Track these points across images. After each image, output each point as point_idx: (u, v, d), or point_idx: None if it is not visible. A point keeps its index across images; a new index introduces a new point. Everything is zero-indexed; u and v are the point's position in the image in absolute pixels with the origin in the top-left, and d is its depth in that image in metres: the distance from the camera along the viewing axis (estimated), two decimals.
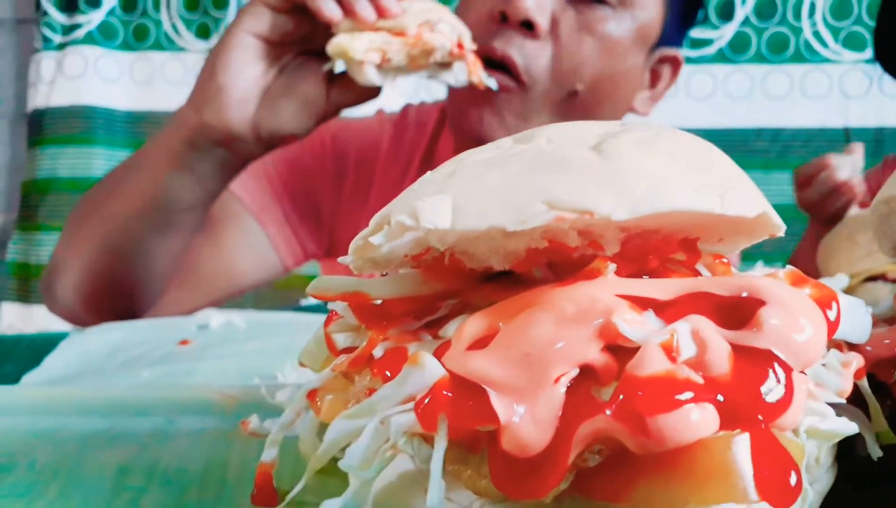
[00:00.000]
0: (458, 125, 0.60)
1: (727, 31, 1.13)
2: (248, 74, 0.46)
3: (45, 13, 1.16)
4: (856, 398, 0.20)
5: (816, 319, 0.18)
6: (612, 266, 0.19)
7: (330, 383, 0.22)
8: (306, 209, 0.66)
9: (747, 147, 1.12)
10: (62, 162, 1.16)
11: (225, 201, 0.56)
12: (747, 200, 0.19)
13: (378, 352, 0.21)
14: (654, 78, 0.64)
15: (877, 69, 0.77)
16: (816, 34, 1.11)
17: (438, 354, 0.19)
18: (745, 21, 1.12)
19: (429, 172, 0.21)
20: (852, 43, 1.11)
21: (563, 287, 0.19)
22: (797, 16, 1.12)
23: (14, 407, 0.31)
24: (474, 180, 0.19)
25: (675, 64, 0.65)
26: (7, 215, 1.25)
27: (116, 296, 0.54)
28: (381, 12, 0.44)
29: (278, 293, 0.81)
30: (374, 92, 0.48)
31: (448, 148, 0.68)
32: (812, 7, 1.11)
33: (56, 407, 0.30)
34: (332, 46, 0.45)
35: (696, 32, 1.13)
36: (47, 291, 0.58)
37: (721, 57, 1.13)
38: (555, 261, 0.20)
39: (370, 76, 0.45)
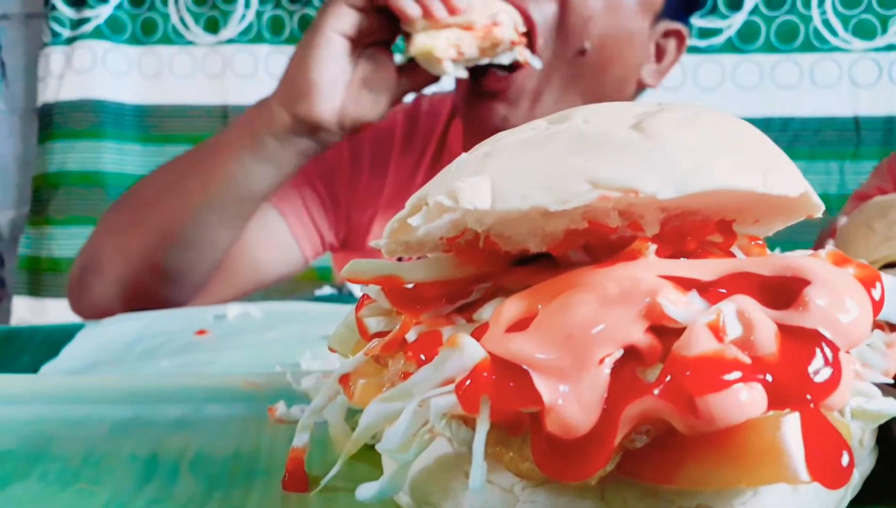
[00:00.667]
0: (469, 116, 0.61)
1: (736, 21, 1.12)
2: (335, 70, 0.51)
3: (54, 7, 1.16)
4: None
5: (862, 298, 0.17)
6: (653, 247, 0.19)
7: (362, 367, 0.22)
8: (324, 200, 0.67)
9: None
10: (72, 156, 1.15)
11: None
12: (790, 179, 0.18)
13: (411, 336, 0.21)
14: (660, 52, 0.64)
15: (888, 56, 0.75)
16: (826, 23, 1.10)
17: (476, 336, 0.18)
18: (755, 10, 1.11)
19: (464, 154, 0.20)
20: (862, 31, 1.09)
21: (605, 268, 0.18)
22: (806, 4, 1.10)
23: (43, 396, 0.31)
24: (512, 161, 0.19)
25: (680, 38, 0.65)
26: (18, 209, 1.26)
27: (163, 290, 0.55)
28: (451, 10, 0.49)
29: (291, 285, 0.81)
30: (437, 77, 0.53)
31: (458, 139, 0.68)
32: None
33: (84, 396, 0.30)
34: (416, 48, 0.50)
35: (704, 22, 1.12)
36: (80, 291, 0.59)
37: (730, 47, 1.12)
38: (591, 243, 0.20)
39: (447, 69, 0.51)
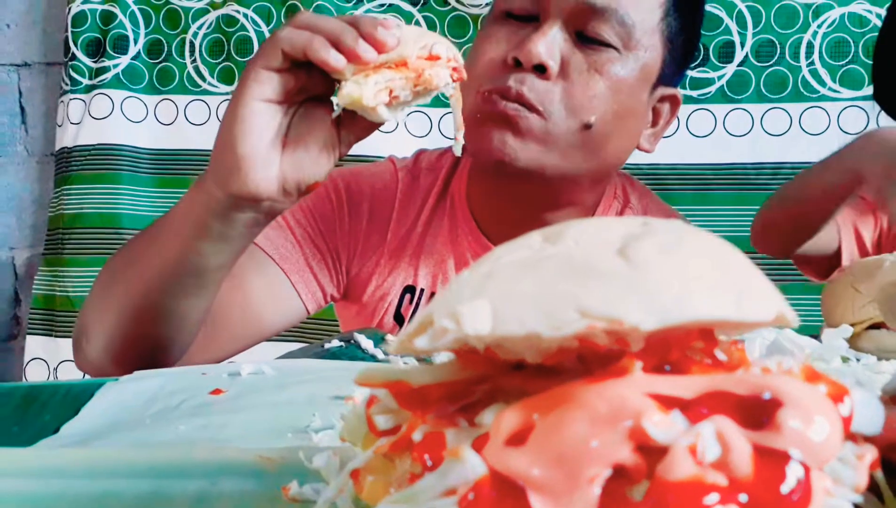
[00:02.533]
0: (478, 149, 0.61)
1: (727, 71, 1.15)
2: (264, 139, 0.47)
3: (74, 57, 1.20)
4: (874, 487, 0.21)
5: (832, 417, 0.19)
6: (639, 364, 0.20)
7: (373, 463, 0.24)
8: (325, 255, 0.68)
9: (748, 182, 1.14)
10: (88, 199, 1.19)
11: (249, 251, 0.58)
12: (763, 303, 0.20)
13: (417, 436, 0.22)
14: (656, 116, 0.67)
15: (874, 107, 0.78)
16: (814, 73, 1.13)
17: (477, 446, 0.20)
18: (745, 61, 1.15)
19: (465, 271, 0.22)
20: (849, 81, 1.13)
21: (595, 385, 0.20)
22: (795, 56, 1.14)
23: (64, 470, 0.32)
24: (511, 284, 0.20)
25: (675, 102, 0.67)
26: (33, 249, 1.29)
27: (147, 355, 0.56)
28: (379, 48, 0.44)
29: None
30: (380, 123, 0.48)
31: (461, 190, 0.70)
32: (810, 47, 1.14)
33: (104, 470, 0.32)
34: (343, 98, 0.45)
35: (696, 73, 1.16)
36: (77, 352, 0.60)
37: (722, 96, 1.16)
38: (584, 354, 0.22)
39: (382, 115, 0.46)
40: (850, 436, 0.21)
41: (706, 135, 1.16)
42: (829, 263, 0.72)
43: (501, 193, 0.66)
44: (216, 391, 0.47)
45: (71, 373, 1.12)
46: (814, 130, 1.14)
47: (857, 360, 0.43)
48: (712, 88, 1.16)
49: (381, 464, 0.23)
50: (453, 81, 0.46)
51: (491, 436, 0.20)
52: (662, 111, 0.67)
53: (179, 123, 1.19)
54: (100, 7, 1.19)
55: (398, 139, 1.11)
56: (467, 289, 0.21)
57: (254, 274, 0.63)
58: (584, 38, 0.60)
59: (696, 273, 0.20)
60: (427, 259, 0.69)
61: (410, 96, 0.46)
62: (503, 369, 0.23)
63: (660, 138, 0.68)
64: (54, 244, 1.21)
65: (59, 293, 1.20)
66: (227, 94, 1.18)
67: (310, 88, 0.47)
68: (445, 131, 1.16)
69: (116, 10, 1.19)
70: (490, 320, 0.20)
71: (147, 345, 0.55)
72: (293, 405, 0.44)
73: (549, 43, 0.59)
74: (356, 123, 0.48)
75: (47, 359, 1.18)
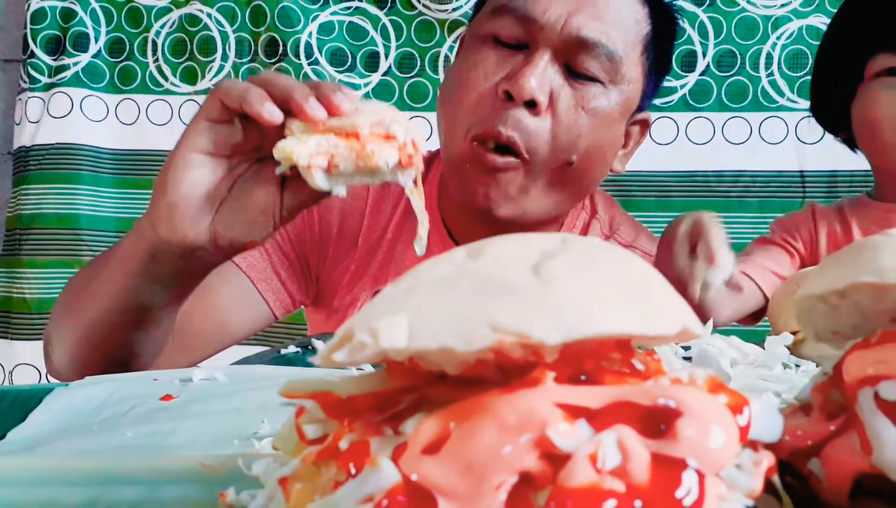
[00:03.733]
0: (462, 199, 0.64)
1: (689, 81, 1.18)
2: (198, 190, 0.45)
3: (33, 54, 1.18)
4: (775, 492, 0.22)
5: (729, 426, 0.20)
6: (551, 375, 0.21)
7: (300, 471, 0.24)
8: (293, 262, 0.69)
9: (709, 190, 1.18)
10: (47, 199, 1.17)
11: None
12: (668, 319, 0.21)
13: (344, 444, 0.23)
14: (627, 138, 0.69)
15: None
16: (773, 83, 1.17)
17: (397, 453, 0.21)
18: (707, 71, 1.18)
19: (389, 285, 0.23)
20: (807, 92, 1.16)
21: (508, 395, 0.21)
22: (755, 66, 1.18)
23: (5, 478, 0.32)
24: (428, 301, 0.21)
25: (645, 125, 0.69)
26: None
27: (111, 370, 0.56)
28: (332, 110, 0.42)
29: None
30: (328, 192, 0.44)
31: (432, 196, 0.71)
32: (769, 58, 1.18)
33: (45, 478, 0.32)
34: (278, 151, 0.42)
35: None
36: (46, 360, 0.60)
37: (684, 105, 1.19)
38: (502, 364, 0.22)
39: (317, 181, 0.42)
40: (751, 444, 0.22)
41: (669, 143, 1.19)
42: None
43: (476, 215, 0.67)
44: (167, 397, 0.47)
45: (27, 377, 1.10)
46: (772, 139, 1.18)
47: (797, 367, 0.45)
48: (675, 97, 1.19)
49: (309, 472, 0.24)
50: (401, 165, 0.42)
51: (409, 445, 0.21)
52: (633, 133, 0.69)
53: (141, 122, 1.17)
54: (60, 4, 1.17)
55: None
56: (387, 304, 0.22)
57: (219, 284, 0.64)
58: (572, 72, 0.61)
59: (604, 290, 0.21)
60: (397, 266, 0.70)
61: (352, 169, 0.42)
62: (429, 378, 0.24)
63: (630, 158, 0.70)
64: (11, 245, 1.19)
65: (15, 296, 1.17)
66: (189, 94, 1.17)
67: (264, 147, 0.45)
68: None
69: (77, 8, 1.17)
70: (406, 335, 0.20)
71: (108, 364, 0.55)
72: (242, 411, 0.44)
73: (541, 77, 0.59)
74: (301, 189, 0.45)
75: (3, 362, 1.16)
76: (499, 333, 0.20)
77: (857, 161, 0.82)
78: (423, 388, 0.24)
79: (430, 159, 0.72)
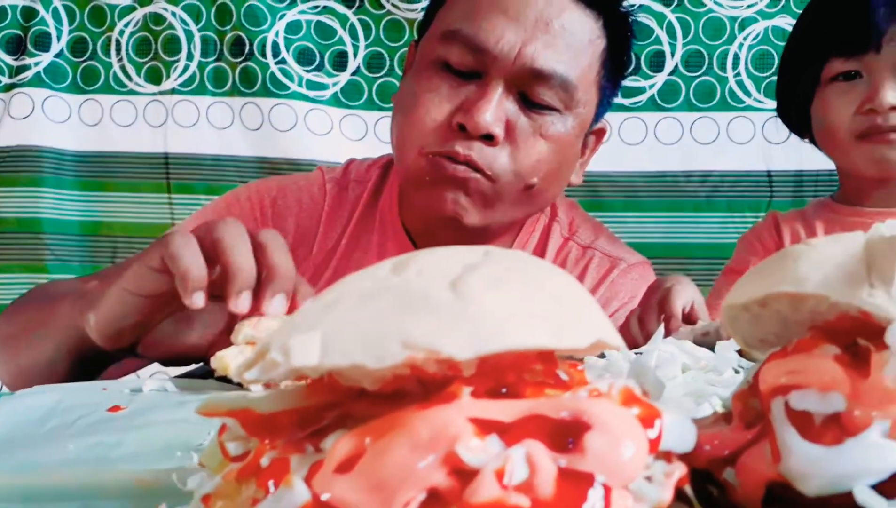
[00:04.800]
0: (428, 206, 0.63)
1: (658, 81, 1.19)
2: (122, 322, 0.49)
3: None
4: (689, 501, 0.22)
5: (638, 438, 0.20)
6: (468, 389, 0.21)
7: (222, 488, 0.24)
8: None
9: (678, 189, 1.19)
10: (7, 202, 1.14)
11: None
12: (581, 331, 0.21)
13: (264, 462, 0.23)
14: (583, 148, 0.69)
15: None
16: (740, 84, 1.18)
17: (313, 471, 0.21)
18: (675, 71, 1.19)
19: (310, 301, 0.23)
20: (773, 92, 1.18)
21: (423, 411, 0.21)
22: (722, 67, 1.19)
23: None
24: (345, 317, 0.21)
25: (601, 133, 0.70)
26: None
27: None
28: (255, 307, 0.44)
29: None
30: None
31: (392, 201, 0.71)
32: (736, 59, 1.19)
33: None
34: (216, 360, 0.45)
35: (628, 82, 1.19)
36: None
37: (652, 104, 1.20)
38: (424, 379, 0.22)
39: (255, 392, 0.43)
40: (664, 455, 0.22)
41: (638, 143, 1.20)
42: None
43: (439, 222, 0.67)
44: (115, 408, 0.46)
45: None
46: (740, 139, 1.19)
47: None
48: (643, 97, 1.20)
49: (231, 489, 0.24)
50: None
51: (324, 463, 0.21)
52: (590, 143, 0.70)
53: (105, 124, 1.15)
54: (21, 3, 1.14)
55: (332, 143, 1.11)
56: (306, 320, 0.22)
57: None
58: (527, 101, 0.61)
59: (519, 304, 0.21)
60: (354, 273, 0.69)
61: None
62: (350, 394, 0.23)
63: (586, 167, 0.71)
64: None
65: None
66: (154, 94, 1.15)
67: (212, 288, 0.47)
68: (381, 135, 1.16)
69: (38, 6, 1.14)
70: (318, 352, 0.20)
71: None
72: (189, 422, 0.43)
73: (496, 110, 0.59)
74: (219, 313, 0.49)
75: None
76: (410, 349, 0.20)
77: (823, 161, 0.84)
78: (346, 404, 0.23)
79: (386, 165, 0.72)
